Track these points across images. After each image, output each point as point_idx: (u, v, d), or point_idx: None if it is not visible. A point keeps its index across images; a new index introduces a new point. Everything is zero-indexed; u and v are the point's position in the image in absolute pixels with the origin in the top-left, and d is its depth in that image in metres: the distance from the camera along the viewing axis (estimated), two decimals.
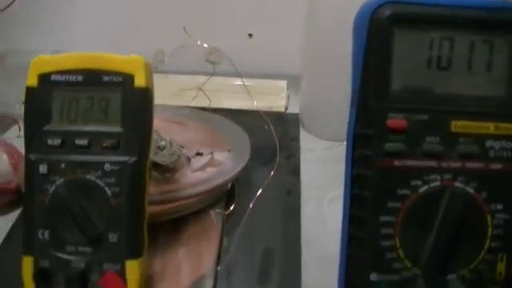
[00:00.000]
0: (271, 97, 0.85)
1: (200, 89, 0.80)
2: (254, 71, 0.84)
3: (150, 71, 0.47)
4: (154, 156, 0.59)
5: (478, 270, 0.42)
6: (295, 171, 0.68)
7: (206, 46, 0.79)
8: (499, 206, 0.42)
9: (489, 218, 0.42)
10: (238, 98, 0.81)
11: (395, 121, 0.41)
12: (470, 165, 0.41)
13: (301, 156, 0.71)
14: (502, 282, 0.43)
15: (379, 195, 0.41)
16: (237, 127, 0.68)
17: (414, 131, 0.41)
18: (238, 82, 0.78)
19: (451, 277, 0.42)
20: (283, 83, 0.88)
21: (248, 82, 0.79)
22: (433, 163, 0.41)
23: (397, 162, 0.41)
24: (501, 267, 0.43)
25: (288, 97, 0.87)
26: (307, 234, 0.57)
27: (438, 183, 0.41)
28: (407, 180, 0.41)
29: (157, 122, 0.66)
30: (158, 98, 0.82)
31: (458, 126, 0.41)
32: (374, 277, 0.42)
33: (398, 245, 0.42)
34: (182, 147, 0.64)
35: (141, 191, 0.46)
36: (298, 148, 0.73)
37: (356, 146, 0.42)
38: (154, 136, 0.60)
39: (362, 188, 0.42)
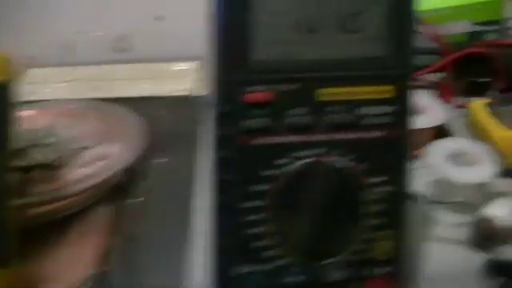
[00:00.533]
0: (180, 80, 0.80)
1: (105, 79, 0.75)
2: (165, 55, 0.80)
3: (7, 65, 0.42)
4: (37, 154, 0.55)
5: (360, 251, 0.38)
6: (192, 157, 0.63)
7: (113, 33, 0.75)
8: (379, 179, 0.38)
9: (368, 192, 0.38)
10: (146, 85, 0.76)
11: (256, 94, 0.36)
12: (344, 135, 0.37)
13: (204, 139, 0.67)
14: (389, 263, 0.39)
15: (244, 178, 0.37)
16: (134, 116, 0.64)
17: (278, 104, 0.37)
18: (147, 67, 0.74)
19: (330, 261, 0.38)
20: (192, 65, 0.84)
21: (156, 66, 0.74)
22: (301, 137, 0.37)
23: (261, 140, 0.37)
24: (385, 246, 0.39)
25: (199, 79, 0.83)
26: (200, 223, 0.53)
27: (308, 159, 0.37)
28: (273, 159, 0.37)
29: (49, 117, 0.62)
30: (62, 92, 0.78)
31: (326, 93, 0.37)
32: (244, 268, 0.38)
33: (267, 232, 0.37)
34: (72, 142, 0.59)
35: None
36: (199, 132, 0.68)
37: (219, 125, 0.37)
38: (39, 133, 0.56)
39: (226, 171, 0.37)
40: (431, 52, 0.72)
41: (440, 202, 0.53)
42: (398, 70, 0.37)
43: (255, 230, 0.37)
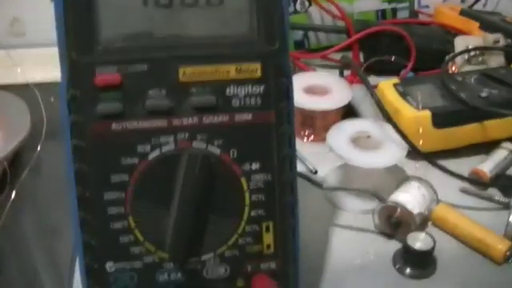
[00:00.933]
0: None
1: None
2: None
3: None
4: None
5: (240, 245, 0.35)
6: None
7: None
8: (255, 166, 0.35)
9: (243, 181, 0.35)
10: (44, 70, 0.71)
11: (106, 76, 0.33)
12: (210, 119, 0.34)
13: None
14: (272, 255, 0.36)
15: (100, 168, 0.34)
16: (19, 103, 0.59)
17: (132, 86, 0.33)
18: (38, 52, 0.69)
19: (207, 257, 0.35)
20: None
21: (47, 51, 0.69)
22: (161, 122, 0.34)
23: (115, 126, 0.33)
24: (268, 238, 0.35)
25: None
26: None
27: (171, 146, 0.34)
28: (132, 146, 0.34)
29: None
30: None
31: (187, 73, 0.33)
32: (110, 266, 0.34)
33: (133, 226, 0.34)
34: None
35: None
36: None
37: (70, 112, 0.33)
38: None
39: (81, 162, 0.34)
40: (338, 31, 0.69)
41: (346, 189, 0.50)
42: (264, 47, 0.34)
43: (118, 225, 0.34)
